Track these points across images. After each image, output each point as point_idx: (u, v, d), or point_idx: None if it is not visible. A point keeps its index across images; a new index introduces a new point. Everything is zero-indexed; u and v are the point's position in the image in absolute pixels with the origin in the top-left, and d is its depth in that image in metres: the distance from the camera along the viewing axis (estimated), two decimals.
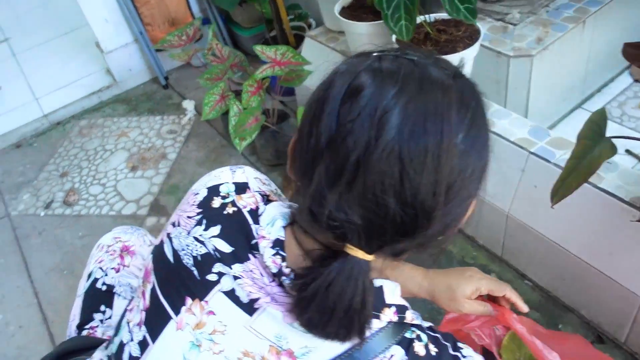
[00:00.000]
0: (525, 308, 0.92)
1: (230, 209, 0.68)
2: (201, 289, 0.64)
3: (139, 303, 0.71)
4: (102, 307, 1.04)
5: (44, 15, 3.62)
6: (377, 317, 0.60)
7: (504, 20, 1.87)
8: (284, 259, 0.62)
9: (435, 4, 1.98)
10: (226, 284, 0.63)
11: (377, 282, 0.62)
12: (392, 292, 0.63)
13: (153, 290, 0.68)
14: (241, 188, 0.71)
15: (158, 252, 0.71)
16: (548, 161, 1.42)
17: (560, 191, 1.13)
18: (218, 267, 0.64)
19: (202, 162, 2.27)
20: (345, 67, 0.57)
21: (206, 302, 0.64)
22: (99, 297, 1.06)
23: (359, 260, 0.56)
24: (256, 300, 0.62)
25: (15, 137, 2.64)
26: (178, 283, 0.66)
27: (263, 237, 0.63)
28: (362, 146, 0.50)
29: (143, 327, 0.68)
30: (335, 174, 0.52)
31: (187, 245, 0.67)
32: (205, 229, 0.66)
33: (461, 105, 0.53)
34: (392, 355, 0.61)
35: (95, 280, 1.08)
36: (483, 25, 1.77)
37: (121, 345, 0.70)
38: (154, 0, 2.60)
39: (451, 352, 0.66)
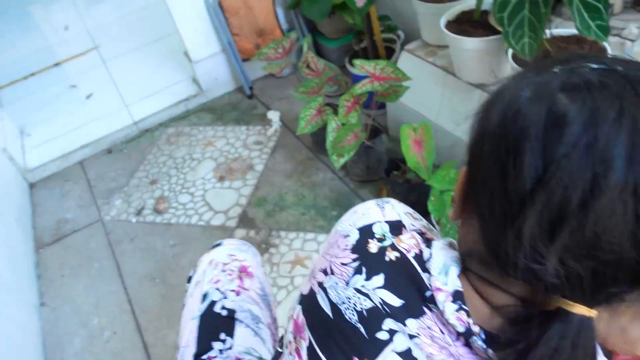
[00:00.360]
0: None
1: (391, 254, 0.60)
2: (371, 349, 0.57)
3: None
4: (222, 335, 0.97)
5: (133, 23, 3.75)
6: None
7: (620, 35, 1.76)
8: (468, 314, 0.54)
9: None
10: (400, 343, 0.56)
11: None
12: None
13: (311, 348, 0.62)
14: (396, 228, 0.63)
15: (310, 304, 0.64)
16: None
17: None
18: (389, 323, 0.57)
19: (289, 175, 2.26)
20: (531, 89, 0.48)
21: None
22: (217, 323, 0.98)
23: (582, 318, 0.46)
24: None
25: (106, 143, 2.73)
26: (342, 341, 0.59)
27: (439, 289, 0.56)
28: (587, 187, 0.42)
29: None
30: (553, 223, 0.44)
31: (347, 297, 0.60)
32: (367, 279, 0.59)
33: None
34: None
35: (213, 303, 1.01)
36: None
37: None
38: (243, 11, 2.62)
39: None
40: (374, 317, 0.57)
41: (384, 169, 1.93)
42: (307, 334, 0.63)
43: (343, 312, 0.59)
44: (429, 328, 0.56)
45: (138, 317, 1.88)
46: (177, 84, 2.95)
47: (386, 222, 0.64)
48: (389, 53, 2.41)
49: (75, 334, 1.88)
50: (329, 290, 0.62)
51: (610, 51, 1.41)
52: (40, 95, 3.26)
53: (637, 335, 0.76)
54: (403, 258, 0.60)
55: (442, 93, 1.91)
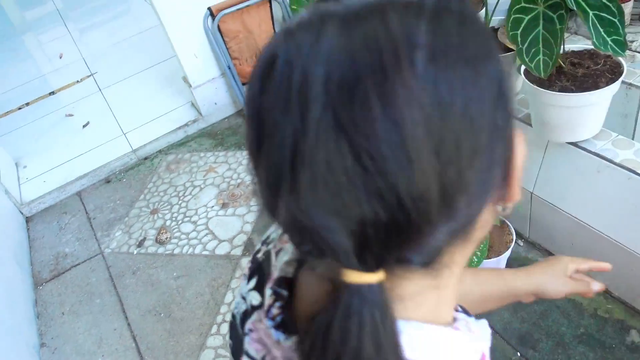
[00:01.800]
0: (608, 265, 0.86)
1: (261, 254, 0.56)
2: (240, 352, 0.52)
3: None
4: None
5: (130, 48, 3.72)
6: None
7: (630, 48, 1.72)
8: (278, 298, 0.47)
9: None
10: (246, 342, 0.52)
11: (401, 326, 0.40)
12: (419, 340, 0.41)
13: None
14: None
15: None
16: None
17: None
18: (248, 324, 0.52)
19: None
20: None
21: None
22: None
23: (360, 286, 0.36)
24: (264, 358, 0.48)
25: (105, 172, 2.66)
26: (239, 347, 0.53)
27: (269, 274, 0.50)
28: (290, 131, 0.34)
29: None
30: (275, 175, 0.36)
31: (237, 304, 0.56)
32: (247, 283, 0.55)
33: (429, 16, 0.35)
34: None
35: None
36: None
37: None
38: (243, 34, 2.58)
39: None
40: (244, 320, 0.54)
41: None
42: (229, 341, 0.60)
43: (237, 319, 0.55)
44: (260, 321, 0.50)
45: (143, 354, 1.80)
46: (175, 110, 2.90)
47: None
48: None
49: None
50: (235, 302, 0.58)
51: (625, 66, 1.37)
52: (35, 126, 3.20)
53: (566, 275, 0.83)
54: (269, 253, 0.55)
55: None
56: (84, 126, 3.05)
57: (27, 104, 3.48)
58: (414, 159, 0.33)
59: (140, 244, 2.22)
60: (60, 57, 4.01)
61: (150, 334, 1.85)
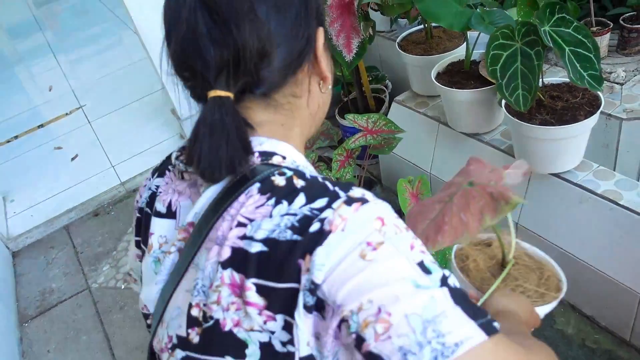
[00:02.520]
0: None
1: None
2: (147, 239, 0.70)
3: None
4: None
5: (118, 80, 3.74)
6: (246, 161, 0.61)
7: (608, 80, 1.76)
8: (181, 150, 0.69)
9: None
10: (153, 206, 0.71)
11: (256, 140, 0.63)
12: (260, 143, 0.63)
13: None
14: None
15: None
16: None
17: None
18: (159, 188, 0.73)
19: None
20: None
21: (152, 232, 0.70)
22: None
23: (216, 97, 0.58)
24: (170, 202, 0.69)
25: (93, 205, 2.66)
26: (146, 235, 0.72)
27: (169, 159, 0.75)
28: (184, 15, 0.59)
29: None
30: (177, 35, 0.61)
31: (144, 199, 0.75)
32: (151, 178, 0.77)
33: None
34: (249, 193, 0.58)
35: None
36: None
37: None
38: None
39: (329, 185, 0.58)
40: (154, 197, 0.73)
41: None
42: None
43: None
44: (170, 179, 0.71)
45: None
46: (164, 142, 2.91)
47: None
48: (378, 103, 2.41)
49: None
50: None
51: (602, 99, 1.40)
52: (24, 159, 3.19)
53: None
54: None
55: (436, 143, 1.89)
56: (72, 159, 3.04)
57: (16, 137, 3.48)
58: (241, 15, 0.57)
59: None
60: (50, 90, 4.03)
61: None
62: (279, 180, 0.58)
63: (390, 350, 0.48)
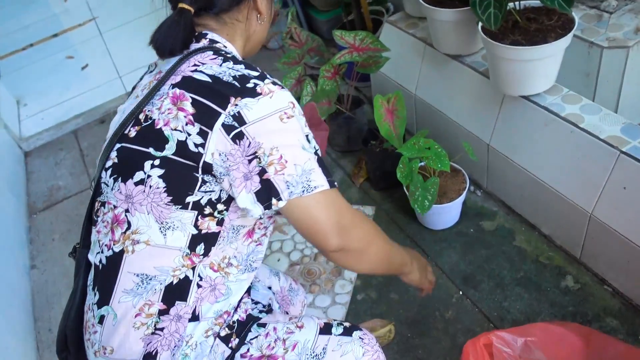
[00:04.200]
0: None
1: None
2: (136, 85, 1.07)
3: None
4: None
5: None
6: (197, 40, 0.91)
7: (598, 7, 1.76)
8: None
9: None
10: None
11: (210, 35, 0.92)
12: (210, 39, 0.91)
13: None
14: None
15: None
16: None
17: None
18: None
19: None
20: None
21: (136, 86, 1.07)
22: None
23: (184, 10, 0.88)
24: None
25: (99, 112, 2.78)
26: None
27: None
28: None
29: None
30: None
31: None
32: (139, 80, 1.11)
33: None
34: (205, 54, 0.87)
35: None
36: (576, 13, 1.66)
37: None
38: None
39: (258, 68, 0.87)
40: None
41: (362, 139, 1.96)
42: None
43: None
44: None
45: None
46: None
47: None
48: (377, 25, 2.42)
49: (63, 295, 1.96)
50: None
51: (576, 22, 1.42)
52: (38, 66, 3.31)
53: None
54: None
55: (421, 64, 1.93)
56: (82, 68, 3.15)
57: (32, 45, 3.58)
58: None
59: None
60: (65, 1, 4.08)
61: None
62: (226, 52, 0.89)
63: (280, 180, 0.80)
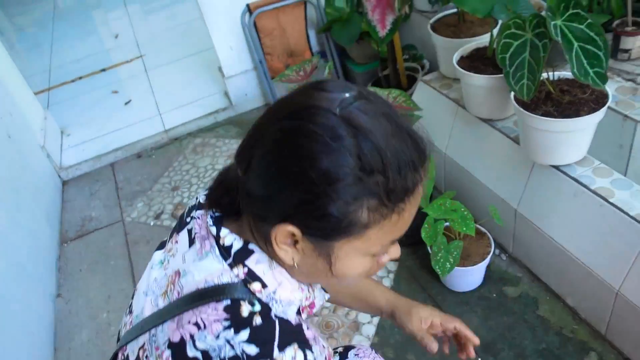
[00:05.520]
0: (476, 339, 1.03)
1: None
2: (180, 226, 0.80)
3: None
4: None
5: (177, 36, 3.94)
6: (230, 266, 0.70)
7: (635, 81, 1.76)
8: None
9: (560, 58, 1.90)
10: (191, 224, 0.78)
11: (251, 245, 0.70)
12: (256, 261, 0.70)
13: None
14: None
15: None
16: None
17: None
18: (194, 212, 0.79)
19: None
20: None
21: (178, 235, 0.79)
22: None
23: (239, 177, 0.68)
24: (195, 234, 0.75)
25: (137, 148, 2.87)
26: (177, 223, 0.83)
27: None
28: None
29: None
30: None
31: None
32: (204, 193, 0.82)
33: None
34: (216, 307, 0.66)
35: None
36: (610, 85, 1.67)
37: None
38: (277, 32, 2.73)
39: (289, 345, 0.65)
40: (192, 209, 0.80)
41: None
42: None
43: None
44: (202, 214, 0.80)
45: None
46: (209, 97, 3.08)
47: None
48: (412, 81, 2.47)
49: (84, 326, 2.00)
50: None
51: (610, 96, 1.42)
52: (84, 98, 3.46)
53: (416, 313, 1.03)
54: None
55: (453, 125, 1.95)
56: (126, 103, 3.28)
57: (80, 78, 3.76)
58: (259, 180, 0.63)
59: (157, 217, 2.40)
60: (116, 37, 4.29)
61: None
62: (244, 309, 0.67)
63: None
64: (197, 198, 0.81)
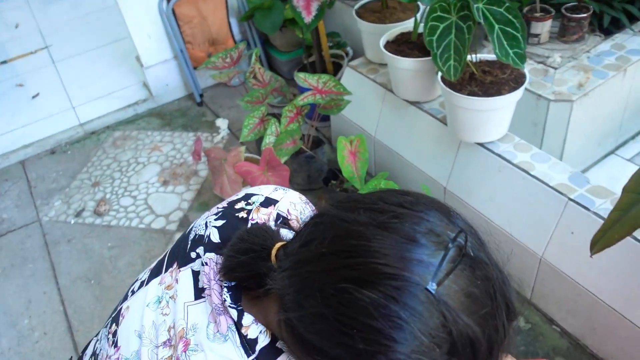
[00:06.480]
0: None
1: (242, 214, 0.73)
2: (183, 260, 0.72)
3: None
4: None
5: (87, 24, 3.71)
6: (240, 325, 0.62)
7: (545, 63, 1.89)
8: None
9: (479, 44, 2.01)
10: (197, 265, 0.70)
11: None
12: (257, 328, 0.62)
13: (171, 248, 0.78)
14: (268, 203, 0.74)
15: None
16: (587, 209, 1.41)
17: (601, 242, 1.12)
18: (200, 249, 0.70)
19: None
20: None
21: (180, 271, 0.71)
22: None
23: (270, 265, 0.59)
24: (204, 290, 0.67)
25: (50, 143, 2.69)
26: (177, 249, 0.74)
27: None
28: None
29: (147, 272, 0.77)
30: None
31: (199, 224, 0.74)
32: (215, 219, 0.73)
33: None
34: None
35: None
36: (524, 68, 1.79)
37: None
38: (197, 20, 2.65)
39: None
40: (198, 241, 0.72)
41: (323, 178, 1.99)
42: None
43: (191, 230, 0.75)
44: (216, 264, 0.67)
45: (70, 318, 1.87)
46: (127, 88, 2.94)
47: (266, 197, 0.75)
48: (337, 68, 2.50)
49: (3, 335, 1.85)
50: (199, 218, 0.77)
51: (528, 77, 1.52)
52: None
53: None
54: (246, 220, 0.72)
55: (381, 108, 2.00)
56: (33, 97, 3.06)
57: None
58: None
59: (78, 214, 2.27)
60: (16, 27, 3.97)
61: (79, 298, 1.92)
62: None
63: None
64: (206, 227, 0.72)
